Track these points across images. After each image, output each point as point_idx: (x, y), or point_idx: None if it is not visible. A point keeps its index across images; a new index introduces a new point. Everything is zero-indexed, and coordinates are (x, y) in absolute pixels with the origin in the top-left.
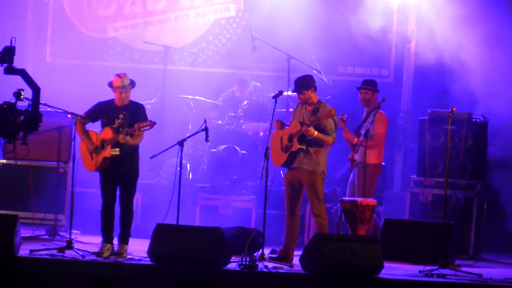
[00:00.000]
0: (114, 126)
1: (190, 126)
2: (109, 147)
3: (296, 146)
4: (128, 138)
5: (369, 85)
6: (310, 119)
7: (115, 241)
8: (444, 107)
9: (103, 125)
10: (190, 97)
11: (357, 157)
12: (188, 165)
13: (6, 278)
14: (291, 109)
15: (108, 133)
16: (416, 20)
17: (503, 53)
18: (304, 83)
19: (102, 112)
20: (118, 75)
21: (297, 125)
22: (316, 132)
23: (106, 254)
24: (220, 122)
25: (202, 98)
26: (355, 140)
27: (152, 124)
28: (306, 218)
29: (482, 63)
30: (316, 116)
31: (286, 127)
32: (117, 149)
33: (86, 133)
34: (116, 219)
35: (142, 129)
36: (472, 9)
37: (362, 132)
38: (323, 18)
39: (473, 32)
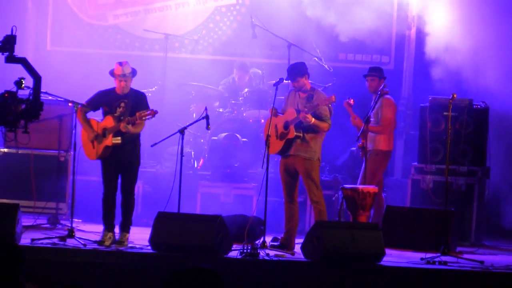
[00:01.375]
0: (115, 114)
1: (194, 115)
2: (110, 135)
3: (293, 133)
4: (129, 126)
5: (375, 71)
6: (307, 106)
7: (117, 230)
8: (445, 94)
9: (104, 114)
10: (195, 83)
11: (367, 144)
12: (192, 152)
13: (6, 266)
14: None
15: (109, 122)
16: (416, 7)
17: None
18: (298, 71)
19: (104, 100)
20: (120, 63)
21: (293, 113)
22: (313, 119)
23: (107, 243)
24: (221, 110)
25: (205, 85)
26: (363, 125)
27: (154, 113)
28: (307, 205)
29: (483, 50)
30: (314, 103)
31: (280, 114)
32: (119, 138)
33: (87, 121)
34: (117, 208)
35: (143, 118)
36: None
37: (372, 119)
38: (323, 4)
39: (476, 18)
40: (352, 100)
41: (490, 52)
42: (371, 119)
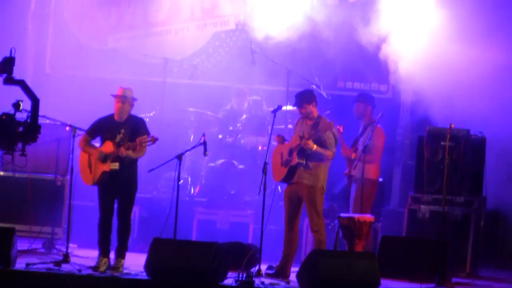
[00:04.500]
0: (115, 140)
1: (191, 138)
2: (109, 161)
3: (296, 160)
4: (130, 152)
5: (361, 97)
6: (310, 133)
7: (112, 255)
8: (443, 124)
9: (103, 140)
10: (193, 109)
11: (354, 172)
12: (189, 179)
13: None
14: (290, 126)
15: (109, 147)
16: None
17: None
18: (305, 97)
19: (103, 128)
20: (123, 87)
21: (297, 140)
22: (315, 146)
23: (102, 268)
24: (220, 137)
25: (204, 111)
26: (353, 155)
27: (154, 139)
28: (303, 233)
29: (479, 81)
30: (316, 130)
31: (287, 142)
32: (117, 164)
33: (91, 146)
34: (113, 233)
35: (144, 144)
36: (468, 26)
37: (359, 147)
38: (322, 33)
39: (471, 50)
40: (341, 127)
41: (485, 82)
42: (359, 147)
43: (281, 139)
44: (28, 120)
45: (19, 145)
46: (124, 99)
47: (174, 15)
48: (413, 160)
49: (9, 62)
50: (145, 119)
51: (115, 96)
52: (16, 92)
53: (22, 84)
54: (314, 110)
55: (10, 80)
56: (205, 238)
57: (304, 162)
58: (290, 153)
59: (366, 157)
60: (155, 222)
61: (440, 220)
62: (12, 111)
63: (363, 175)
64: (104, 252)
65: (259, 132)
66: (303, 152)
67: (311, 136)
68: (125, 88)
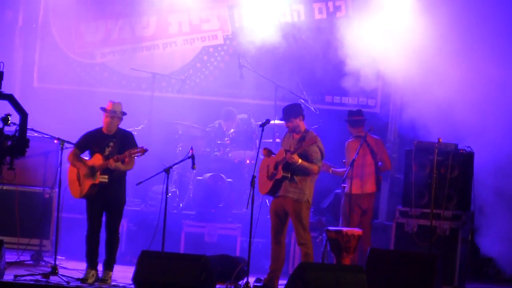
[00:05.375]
0: (105, 154)
1: (179, 151)
2: (98, 173)
3: (281, 173)
4: (119, 164)
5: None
6: (295, 147)
7: (100, 268)
8: (431, 138)
9: (92, 153)
10: (181, 123)
11: (351, 187)
12: (177, 192)
13: None
14: (277, 140)
15: (98, 160)
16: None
17: (492, 85)
18: (292, 111)
19: (92, 141)
20: (113, 101)
21: (283, 153)
22: (300, 160)
23: (90, 281)
24: (208, 150)
25: (192, 124)
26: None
27: (144, 151)
28: (291, 247)
29: (469, 95)
30: (300, 144)
31: (274, 155)
32: (106, 176)
33: (80, 161)
34: (101, 245)
35: (133, 155)
36: (459, 38)
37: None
38: (310, 47)
39: (460, 63)
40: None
41: (475, 96)
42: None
43: (268, 152)
44: (17, 135)
45: (7, 159)
46: (114, 114)
47: (162, 30)
48: (401, 174)
49: None
50: (133, 133)
51: (105, 111)
52: (4, 106)
53: (11, 98)
54: (301, 124)
55: None
56: (193, 251)
57: (290, 175)
58: (276, 166)
59: (382, 169)
60: (143, 235)
61: (428, 234)
62: (0, 125)
63: (362, 190)
64: (92, 265)
65: (246, 146)
66: (288, 166)
67: (296, 150)
68: (115, 102)
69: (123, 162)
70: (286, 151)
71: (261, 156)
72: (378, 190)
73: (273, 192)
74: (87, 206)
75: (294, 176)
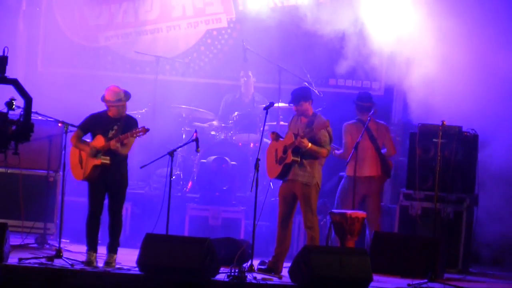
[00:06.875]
0: (107, 136)
1: (183, 135)
2: (100, 155)
3: (290, 158)
4: (119, 145)
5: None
6: (305, 131)
7: (104, 251)
8: (435, 121)
9: (94, 135)
10: (185, 106)
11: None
12: (181, 175)
13: None
14: (281, 122)
15: (100, 141)
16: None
17: (495, 68)
18: (302, 95)
19: (96, 124)
20: (111, 89)
21: (292, 137)
22: (310, 144)
23: (94, 263)
24: (212, 133)
25: (196, 108)
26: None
27: (146, 130)
28: (295, 230)
29: (473, 77)
30: (311, 128)
31: (282, 139)
32: (108, 158)
33: (83, 143)
34: (104, 229)
35: (135, 135)
36: (461, 21)
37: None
38: (314, 30)
39: (464, 46)
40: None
41: (479, 79)
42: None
43: (276, 136)
44: (21, 119)
45: (12, 143)
46: (119, 102)
47: (165, 13)
48: (405, 157)
49: (2, 61)
50: (136, 116)
51: (108, 102)
52: (9, 91)
53: (15, 83)
54: (309, 108)
55: (3, 80)
56: (197, 234)
57: (299, 160)
58: (285, 150)
59: (386, 155)
60: (147, 218)
61: (432, 217)
62: (5, 110)
63: (370, 172)
64: (93, 247)
65: (250, 129)
66: (297, 150)
67: (306, 134)
68: (114, 90)
69: (122, 144)
70: (296, 135)
71: (265, 140)
72: (385, 175)
73: (282, 176)
74: (89, 188)
75: (303, 160)
